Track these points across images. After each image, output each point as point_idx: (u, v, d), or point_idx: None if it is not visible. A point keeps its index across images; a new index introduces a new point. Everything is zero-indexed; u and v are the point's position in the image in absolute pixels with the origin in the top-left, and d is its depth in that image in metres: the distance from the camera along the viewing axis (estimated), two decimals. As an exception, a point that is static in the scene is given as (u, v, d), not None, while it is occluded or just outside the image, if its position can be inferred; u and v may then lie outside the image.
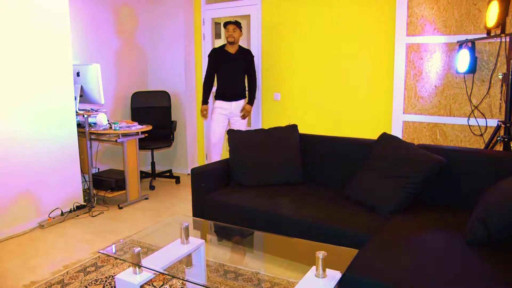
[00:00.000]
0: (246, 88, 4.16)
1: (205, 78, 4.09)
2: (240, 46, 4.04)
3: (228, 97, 4.04)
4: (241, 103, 4.10)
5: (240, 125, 4.16)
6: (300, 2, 3.97)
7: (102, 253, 2.40)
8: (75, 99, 3.68)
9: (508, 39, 2.78)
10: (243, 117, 4.11)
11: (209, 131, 4.32)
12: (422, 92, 3.43)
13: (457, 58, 3.07)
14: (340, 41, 3.81)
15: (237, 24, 3.93)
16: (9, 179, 3.17)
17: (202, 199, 2.87)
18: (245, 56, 4.05)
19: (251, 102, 4.11)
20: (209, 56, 4.10)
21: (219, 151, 4.21)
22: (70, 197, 3.66)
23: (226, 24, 3.92)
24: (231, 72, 4.00)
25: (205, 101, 4.09)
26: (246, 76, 4.11)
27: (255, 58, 4.20)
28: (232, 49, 3.99)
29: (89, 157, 3.85)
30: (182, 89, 4.86)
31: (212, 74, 4.07)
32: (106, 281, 2.45)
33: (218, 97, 4.11)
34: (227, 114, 4.10)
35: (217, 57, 4.01)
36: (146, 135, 4.06)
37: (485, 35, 2.89)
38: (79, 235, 3.21)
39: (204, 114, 4.15)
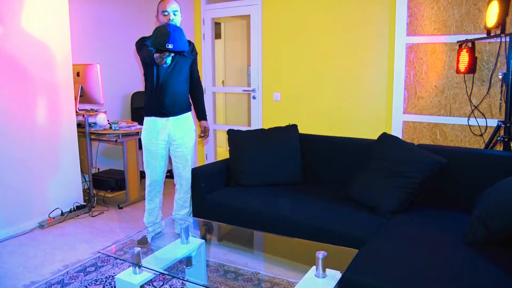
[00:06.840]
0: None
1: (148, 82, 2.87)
2: None
3: (166, 112, 2.81)
4: (186, 119, 2.90)
5: (182, 157, 2.90)
6: (300, 2, 3.97)
7: (102, 253, 2.40)
8: (75, 99, 3.68)
9: (508, 39, 2.77)
10: (205, 136, 3.05)
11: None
12: (422, 92, 3.42)
13: (457, 58, 3.08)
14: (340, 40, 3.80)
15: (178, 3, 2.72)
16: (9, 179, 3.17)
17: (202, 199, 2.87)
18: (190, 51, 2.84)
19: (205, 117, 3.08)
20: (142, 44, 2.75)
21: (159, 196, 3.02)
22: (70, 197, 3.66)
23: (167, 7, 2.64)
24: (172, 73, 2.79)
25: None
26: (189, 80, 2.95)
27: (256, 59, 4.12)
28: None
29: (89, 157, 3.85)
30: (182, 89, 4.85)
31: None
32: (106, 281, 2.45)
33: (149, 112, 2.87)
34: (164, 138, 2.87)
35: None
36: (146, 135, 4.05)
37: (485, 35, 2.89)
38: (79, 235, 3.21)
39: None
